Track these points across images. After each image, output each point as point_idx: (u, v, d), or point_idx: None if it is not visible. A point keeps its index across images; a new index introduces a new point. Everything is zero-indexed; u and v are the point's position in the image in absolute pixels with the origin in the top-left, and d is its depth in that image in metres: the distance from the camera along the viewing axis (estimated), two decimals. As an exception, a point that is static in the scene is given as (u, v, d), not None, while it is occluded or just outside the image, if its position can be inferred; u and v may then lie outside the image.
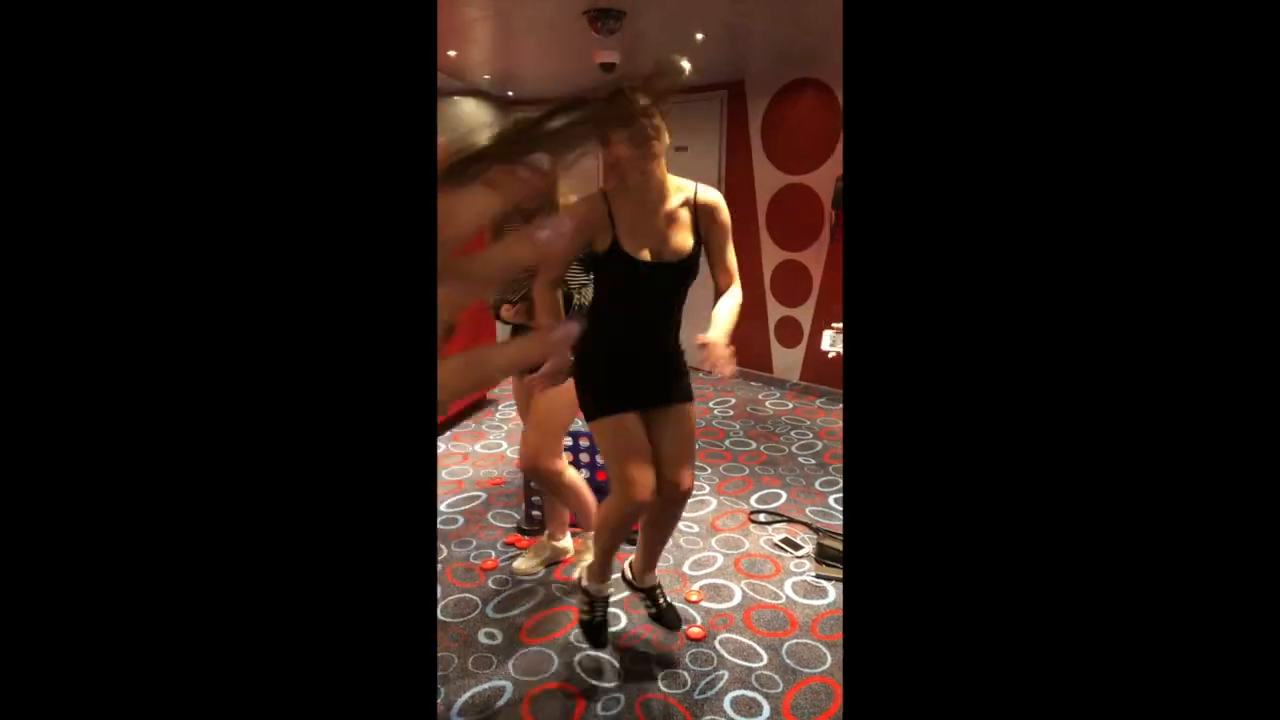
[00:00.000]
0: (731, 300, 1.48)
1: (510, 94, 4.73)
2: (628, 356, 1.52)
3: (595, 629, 1.69)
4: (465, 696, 1.63)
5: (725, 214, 1.51)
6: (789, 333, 4.20)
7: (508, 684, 1.68)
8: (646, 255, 1.44)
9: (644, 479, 1.48)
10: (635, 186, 1.42)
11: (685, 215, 1.47)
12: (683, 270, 1.47)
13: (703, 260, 1.52)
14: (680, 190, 1.47)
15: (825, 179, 3.81)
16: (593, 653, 1.79)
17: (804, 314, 4.11)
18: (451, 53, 3.49)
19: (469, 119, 4.59)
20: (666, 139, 1.39)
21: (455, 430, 3.46)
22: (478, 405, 3.79)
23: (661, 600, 1.78)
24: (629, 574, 1.82)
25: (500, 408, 3.81)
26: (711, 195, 1.50)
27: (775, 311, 4.23)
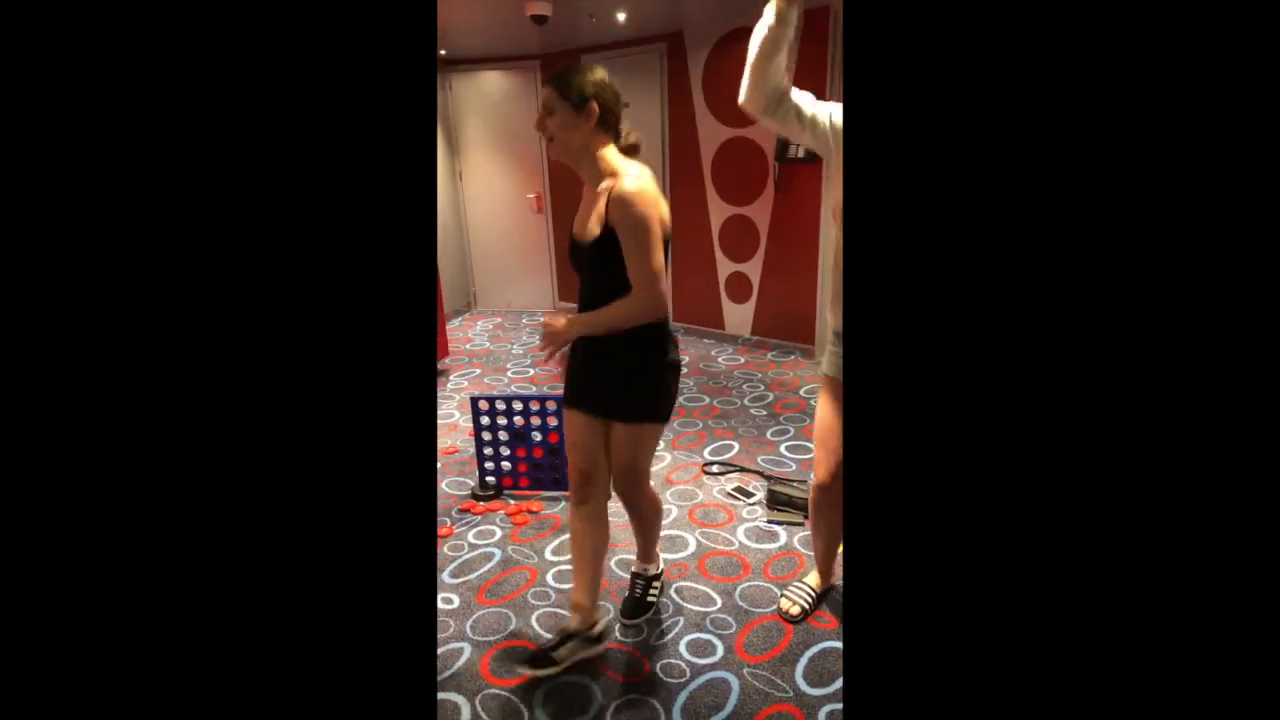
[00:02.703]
0: (618, 304, 1.38)
1: (444, 52, 4.54)
2: (576, 345, 1.53)
3: (630, 603, 1.80)
4: (424, 660, 1.64)
5: (632, 210, 1.31)
6: (739, 288, 4.23)
7: (466, 645, 1.69)
8: (573, 230, 1.47)
9: (574, 467, 1.59)
10: (575, 166, 1.44)
11: (602, 202, 1.37)
12: (590, 253, 1.39)
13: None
14: (609, 176, 1.38)
15: (767, 132, 3.79)
16: (551, 609, 1.81)
17: (753, 269, 4.13)
18: (375, 9, 3.33)
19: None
20: (580, 122, 1.35)
21: (406, 402, 3.41)
22: (429, 376, 3.73)
23: (637, 589, 1.81)
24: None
25: (452, 378, 3.77)
26: (624, 186, 1.33)
27: (725, 267, 4.24)
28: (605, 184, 1.37)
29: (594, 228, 1.38)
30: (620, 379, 1.47)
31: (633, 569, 1.85)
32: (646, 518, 1.71)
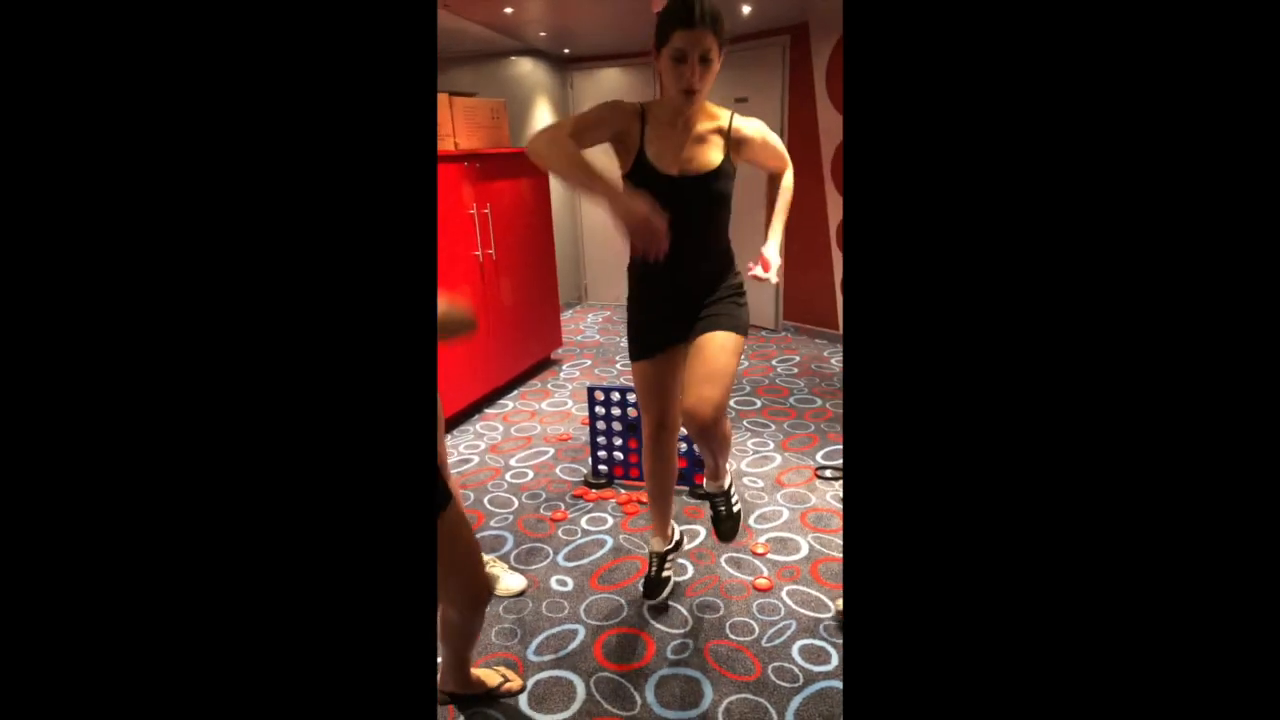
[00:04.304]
0: (785, 198, 1.68)
1: (567, 51, 4.67)
2: (655, 286, 1.60)
3: (649, 583, 1.82)
4: (540, 637, 1.71)
5: (763, 130, 1.58)
6: (855, 287, 4.08)
7: (580, 627, 1.75)
8: (671, 170, 1.49)
9: (655, 415, 1.67)
10: (668, 103, 1.48)
11: (716, 139, 1.51)
12: (704, 185, 1.49)
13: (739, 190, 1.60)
14: (714, 117, 1.52)
15: (895, 124, 3.63)
16: (663, 601, 1.83)
17: (871, 267, 3.98)
18: (507, 10, 3.47)
19: (526, 80, 4.57)
20: (709, 76, 1.42)
21: (523, 389, 3.54)
22: (544, 365, 3.86)
23: (722, 507, 1.78)
24: (701, 489, 1.95)
25: (564, 368, 3.88)
26: (749, 125, 1.55)
27: (841, 265, 4.11)
28: (712, 123, 1.50)
29: (710, 160, 1.49)
30: (730, 294, 1.61)
31: (709, 489, 1.78)
32: (727, 433, 1.62)
